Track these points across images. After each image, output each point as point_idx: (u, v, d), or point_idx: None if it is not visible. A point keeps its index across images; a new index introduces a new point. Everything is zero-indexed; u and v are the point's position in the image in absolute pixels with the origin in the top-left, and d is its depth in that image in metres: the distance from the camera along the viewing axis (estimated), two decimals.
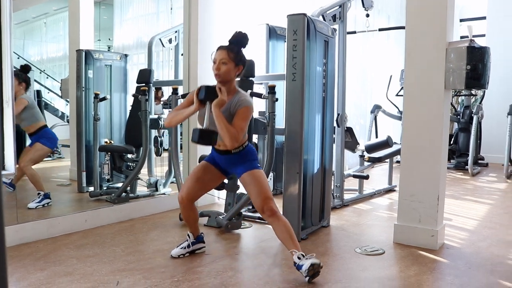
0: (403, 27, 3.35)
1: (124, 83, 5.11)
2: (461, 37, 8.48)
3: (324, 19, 4.04)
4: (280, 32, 4.87)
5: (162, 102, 6.54)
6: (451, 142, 7.53)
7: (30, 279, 2.60)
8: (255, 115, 4.06)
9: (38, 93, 5.86)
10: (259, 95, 3.79)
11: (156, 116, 4.61)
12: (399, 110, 7.31)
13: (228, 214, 3.69)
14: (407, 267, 2.87)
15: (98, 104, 4.55)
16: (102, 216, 3.79)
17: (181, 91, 4.26)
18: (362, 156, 5.58)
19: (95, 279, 2.61)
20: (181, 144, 4.44)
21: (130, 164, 4.67)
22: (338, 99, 4.30)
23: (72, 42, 5.13)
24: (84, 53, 4.70)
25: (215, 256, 3.04)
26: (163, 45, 5.14)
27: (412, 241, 3.28)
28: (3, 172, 1.20)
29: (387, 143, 5.45)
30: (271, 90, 3.61)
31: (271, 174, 4.66)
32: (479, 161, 7.48)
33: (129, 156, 4.68)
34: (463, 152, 7.37)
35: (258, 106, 4.19)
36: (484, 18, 8.43)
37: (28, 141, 4.17)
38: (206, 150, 4.22)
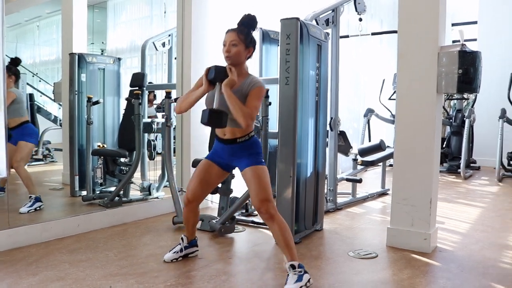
0: (395, 31, 3.38)
1: (117, 86, 5.10)
2: (453, 41, 8.55)
3: (317, 23, 4.06)
4: (274, 36, 4.89)
5: (155, 105, 6.53)
6: (444, 146, 7.58)
7: (22, 284, 2.58)
8: None
9: (31, 96, 5.83)
10: None
11: (149, 120, 4.60)
12: (392, 114, 7.35)
13: (221, 218, 3.69)
14: (400, 270, 2.88)
15: (91, 108, 4.53)
16: (95, 221, 3.77)
17: (174, 95, 4.26)
18: (355, 160, 5.60)
19: (87, 284, 2.60)
20: (174, 148, 4.43)
21: (123, 168, 4.65)
22: (331, 103, 4.32)
23: (65, 45, 5.12)
24: (77, 56, 4.69)
25: (209, 260, 3.04)
26: (156, 49, 5.13)
27: (405, 245, 3.29)
28: None
29: (380, 146, 5.48)
30: (265, 94, 3.61)
31: None
32: (471, 165, 7.53)
33: (122, 160, 4.67)
34: (455, 156, 7.41)
35: None
36: (475, 22, 8.50)
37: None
38: (199, 154, 4.23)
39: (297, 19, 3.30)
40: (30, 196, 4.01)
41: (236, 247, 3.42)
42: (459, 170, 6.93)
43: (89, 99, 4.55)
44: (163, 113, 4.01)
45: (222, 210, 3.92)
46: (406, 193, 3.30)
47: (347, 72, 6.82)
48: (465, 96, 7.50)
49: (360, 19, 4.96)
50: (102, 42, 6.76)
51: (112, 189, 4.56)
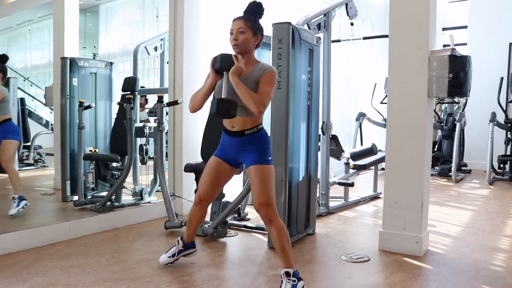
0: (387, 36, 3.40)
1: (109, 91, 5.08)
2: (444, 46, 8.61)
3: (309, 28, 4.08)
4: (265, 40, 4.88)
5: (147, 110, 6.52)
6: (435, 149, 7.62)
7: None
8: None
9: (22, 100, 5.80)
10: None
11: (141, 124, 4.59)
12: (383, 118, 7.38)
13: (213, 222, 3.68)
14: (392, 274, 2.89)
15: (83, 112, 4.51)
16: (87, 226, 3.75)
17: (166, 99, 4.25)
18: (347, 164, 5.61)
19: None
20: (166, 152, 4.42)
21: (115, 172, 4.63)
22: (323, 107, 4.33)
23: (56, 49, 5.10)
24: (68, 60, 4.67)
25: (201, 265, 3.03)
26: (148, 53, 5.13)
27: (397, 248, 3.30)
28: None
29: (372, 150, 5.50)
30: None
31: None
32: (463, 168, 7.58)
33: (114, 164, 4.65)
34: (446, 159, 7.46)
35: None
36: (465, 27, 8.59)
37: None
38: (191, 158, 4.23)
39: (289, 23, 3.31)
40: (14, 197, 3.97)
41: (228, 251, 3.41)
42: (450, 173, 6.97)
43: (80, 103, 4.53)
44: (155, 117, 4.01)
45: (215, 214, 3.91)
46: (398, 196, 3.31)
47: (339, 76, 6.85)
48: (456, 100, 7.57)
49: (352, 24, 5.00)
50: (94, 46, 6.74)
51: (104, 194, 4.53)
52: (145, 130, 4.47)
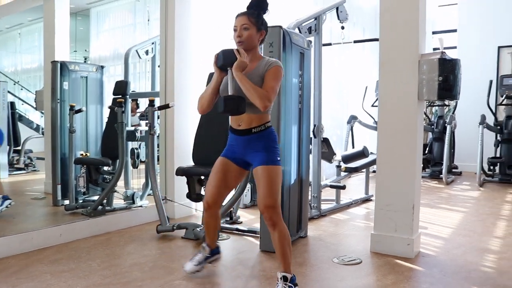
0: (377, 39, 3.42)
1: (100, 95, 5.07)
2: (434, 49, 8.68)
3: (300, 31, 4.10)
4: None
5: (139, 114, 6.50)
6: (426, 152, 7.67)
7: None
8: None
9: (12, 104, 5.76)
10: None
11: (132, 128, 4.57)
12: (375, 121, 7.41)
13: None
14: (384, 276, 2.90)
15: (74, 116, 4.49)
16: (78, 230, 3.73)
17: (157, 102, 4.25)
18: (338, 167, 5.63)
19: None
20: (158, 156, 4.41)
21: (107, 176, 4.61)
22: (314, 110, 4.35)
23: (47, 53, 5.08)
24: (59, 64, 4.65)
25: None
26: (139, 57, 5.12)
27: (388, 250, 3.31)
28: None
29: (363, 153, 5.52)
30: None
31: (248, 185, 4.66)
32: (453, 170, 7.63)
33: (105, 168, 4.63)
34: (437, 161, 7.51)
35: None
36: (455, 31, 8.66)
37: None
38: (183, 161, 4.22)
39: (280, 27, 3.32)
40: None
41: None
42: (441, 175, 7.02)
43: (71, 107, 4.51)
44: (147, 121, 4.00)
45: None
46: (389, 199, 3.33)
47: (330, 79, 6.88)
48: (446, 102, 7.62)
49: (343, 27, 5.02)
50: (85, 50, 6.73)
51: (95, 198, 4.51)
52: (136, 133, 4.46)
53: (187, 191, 3.82)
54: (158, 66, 4.88)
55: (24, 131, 5.72)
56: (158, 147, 4.44)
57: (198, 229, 3.68)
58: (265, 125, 2.51)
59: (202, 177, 3.77)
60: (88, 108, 4.90)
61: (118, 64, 5.97)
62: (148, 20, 6.11)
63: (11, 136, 5.77)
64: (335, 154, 5.02)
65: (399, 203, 3.28)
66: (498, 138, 7.05)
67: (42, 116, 5.33)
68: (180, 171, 3.81)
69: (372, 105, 7.47)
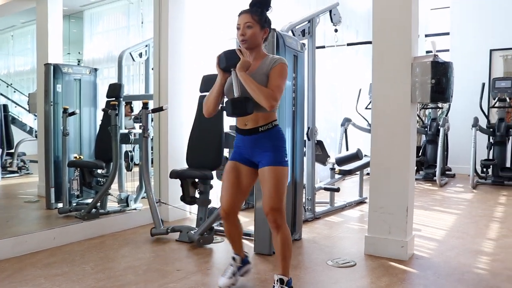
0: (371, 42, 3.44)
1: (94, 97, 5.05)
2: (427, 52, 8.74)
3: (294, 34, 4.11)
4: None
5: (133, 116, 6.49)
6: (419, 154, 7.70)
7: None
8: (226, 129, 4.07)
9: (5, 107, 5.73)
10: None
11: (126, 131, 4.56)
12: (368, 123, 7.43)
13: (199, 228, 3.67)
14: (378, 278, 2.91)
15: (67, 119, 4.47)
16: (71, 233, 3.71)
17: (151, 105, 4.25)
18: (332, 169, 5.64)
19: None
20: (152, 159, 4.40)
21: (100, 179, 4.59)
22: (308, 113, 4.36)
23: (40, 55, 5.05)
24: (52, 67, 4.63)
25: (187, 272, 3.01)
26: (133, 59, 5.11)
27: (382, 252, 3.32)
28: None
29: (357, 155, 5.54)
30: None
31: None
32: (447, 172, 7.67)
33: (99, 171, 4.61)
34: (431, 164, 7.54)
35: (229, 120, 4.20)
36: (447, 34, 8.72)
37: None
38: (177, 164, 4.21)
39: (273, 29, 3.32)
40: None
41: (214, 258, 3.40)
42: (434, 178, 7.05)
43: (65, 110, 4.49)
44: (140, 124, 3.99)
45: (201, 220, 3.90)
46: (383, 201, 3.34)
47: (324, 82, 6.90)
48: (439, 105, 7.66)
49: (336, 30, 5.04)
50: (79, 52, 6.71)
51: (89, 201, 4.49)
52: (130, 136, 4.44)
53: (181, 193, 3.81)
54: (152, 69, 4.87)
55: (17, 134, 5.69)
56: (152, 149, 4.43)
57: (192, 232, 3.68)
58: (272, 124, 2.47)
59: (196, 180, 3.77)
60: (81, 110, 4.88)
61: (111, 67, 5.95)
62: (142, 23, 6.09)
63: (4, 139, 5.74)
64: (329, 156, 5.03)
65: (393, 205, 3.29)
66: (491, 140, 7.09)
67: (35, 119, 5.29)
68: (174, 174, 3.81)
69: (366, 108, 7.50)
